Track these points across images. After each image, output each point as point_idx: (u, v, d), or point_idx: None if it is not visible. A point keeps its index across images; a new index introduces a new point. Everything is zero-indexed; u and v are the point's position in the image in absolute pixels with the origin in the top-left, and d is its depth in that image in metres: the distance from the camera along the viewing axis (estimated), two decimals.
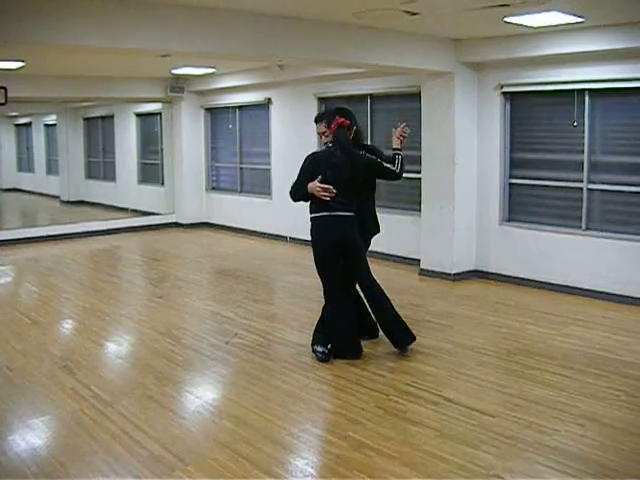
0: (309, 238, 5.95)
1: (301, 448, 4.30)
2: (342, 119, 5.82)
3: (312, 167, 5.84)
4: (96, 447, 4.29)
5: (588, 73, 7.68)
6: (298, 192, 5.90)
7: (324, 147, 6.06)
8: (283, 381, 5.46)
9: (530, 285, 8.44)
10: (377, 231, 6.32)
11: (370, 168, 5.89)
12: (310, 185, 5.76)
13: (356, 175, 5.80)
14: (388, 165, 5.90)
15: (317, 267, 5.97)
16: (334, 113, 5.97)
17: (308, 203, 5.96)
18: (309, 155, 5.99)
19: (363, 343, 6.05)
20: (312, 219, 5.91)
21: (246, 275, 9.47)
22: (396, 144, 6.03)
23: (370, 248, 6.18)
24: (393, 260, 9.92)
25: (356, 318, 6.08)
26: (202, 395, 5.27)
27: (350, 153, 5.81)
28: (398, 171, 5.93)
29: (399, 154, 5.96)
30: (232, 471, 3.97)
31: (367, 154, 5.94)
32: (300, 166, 5.93)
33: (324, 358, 5.81)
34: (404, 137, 6.07)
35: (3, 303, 8.38)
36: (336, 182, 5.73)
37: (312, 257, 5.96)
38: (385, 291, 5.97)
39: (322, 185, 5.71)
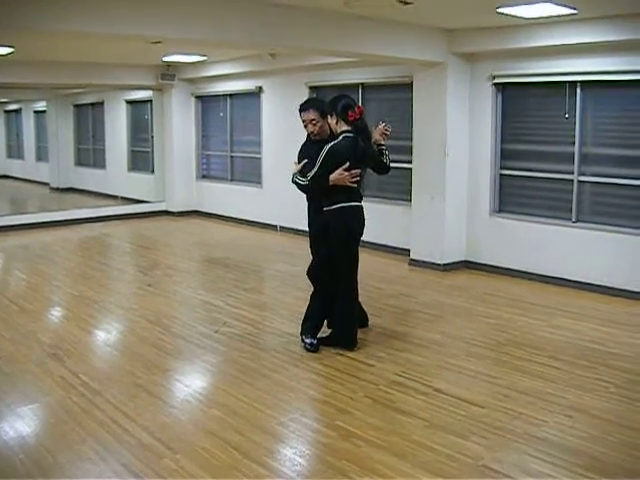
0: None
1: (290, 437, 4.30)
2: (362, 107, 5.77)
3: (337, 159, 5.58)
4: (85, 435, 4.28)
5: (580, 65, 7.68)
6: (319, 184, 5.64)
7: (311, 137, 5.97)
8: (272, 370, 5.45)
9: (520, 276, 8.45)
10: None
11: (375, 157, 5.86)
12: (335, 176, 5.57)
13: (367, 165, 5.84)
14: (381, 158, 5.92)
15: (337, 255, 5.78)
16: (338, 99, 5.80)
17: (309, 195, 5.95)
18: (330, 147, 5.61)
19: None
20: (338, 209, 5.68)
21: (236, 264, 9.46)
22: (381, 141, 5.92)
23: (360, 238, 6.15)
24: (383, 250, 9.92)
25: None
26: (191, 384, 5.26)
27: (370, 142, 5.75)
28: (388, 164, 5.96)
29: (385, 148, 5.93)
30: (221, 460, 3.96)
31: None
32: (321, 159, 5.59)
33: (312, 349, 5.81)
34: (387, 135, 5.97)
35: None
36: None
37: (306, 246, 5.94)
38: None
39: (351, 172, 5.59)
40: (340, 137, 5.66)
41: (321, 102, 6.12)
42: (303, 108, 6.01)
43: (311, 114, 5.92)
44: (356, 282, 5.94)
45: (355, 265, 5.89)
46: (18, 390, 5.09)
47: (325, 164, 5.58)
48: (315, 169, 5.61)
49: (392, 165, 6.05)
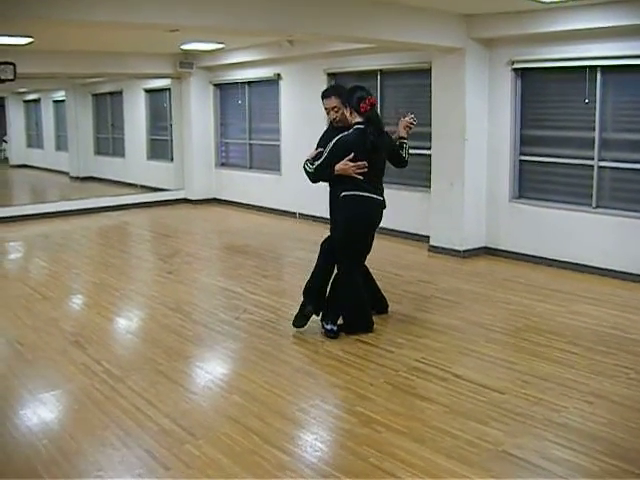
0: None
1: (310, 423, 4.32)
2: (374, 99, 5.75)
3: (344, 151, 5.64)
4: (107, 421, 4.33)
5: (600, 49, 7.61)
6: (323, 174, 5.76)
7: (333, 124, 6.00)
8: (292, 356, 5.49)
9: (540, 262, 8.42)
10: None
11: (391, 149, 5.92)
12: (340, 166, 5.63)
13: (383, 157, 5.86)
14: (400, 152, 6.01)
15: (343, 242, 5.87)
16: (354, 91, 5.79)
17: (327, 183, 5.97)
18: (339, 138, 5.69)
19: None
20: (346, 197, 5.75)
21: (255, 251, 9.48)
22: (403, 134, 6.03)
23: (379, 224, 6.16)
24: (402, 237, 9.91)
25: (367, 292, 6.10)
26: (212, 370, 5.30)
27: (382, 134, 5.75)
28: (407, 158, 6.04)
29: (407, 143, 6.02)
30: (242, 445, 3.99)
31: (388, 133, 5.94)
32: (329, 148, 5.68)
33: (333, 336, 5.82)
34: (411, 127, 6.06)
35: (14, 279, 8.43)
36: (369, 164, 5.67)
37: (325, 233, 5.98)
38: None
39: (357, 163, 5.62)
40: (352, 129, 5.71)
41: (343, 89, 6.11)
42: (325, 95, 6.05)
43: (333, 101, 5.93)
44: (354, 268, 5.95)
45: (357, 254, 5.93)
46: (41, 377, 5.14)
47: (331, 155, 5.66)
48: (322, 158, 5.71)
49: (411, 152, 6.06)
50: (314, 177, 5.81)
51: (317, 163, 5.72)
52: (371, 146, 5.63)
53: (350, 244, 5.87)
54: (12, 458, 3.93)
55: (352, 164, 5.62)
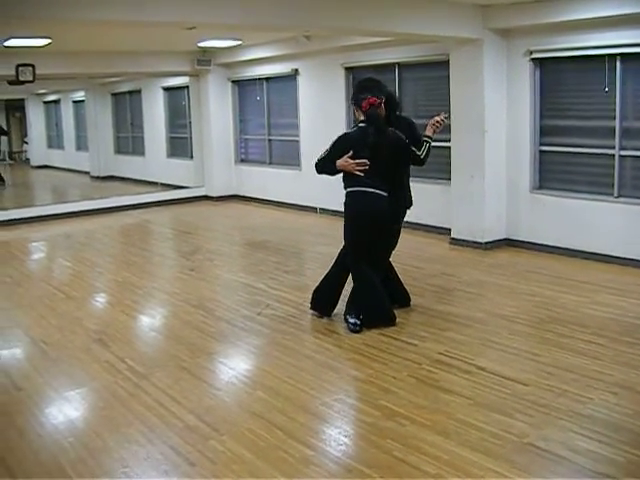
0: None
1: (334, 417, 4.32)
2: (374, 99, 5.75)
3: (345, 146, 5.81)
4: (131, 418, 4.35)
5: (620, 37, 7.53)
6: (325, 167, 5.94)
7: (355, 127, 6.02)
8: (315, 351, 5.49)
9: (562, 253, 8.37)
10: (409, 206, 6.30)
11: (398, 148, 5.87)
12: (340, 162, 5.77)
13: (388, 155, 5.81)
14: (414, 149, 5.89)
15: (347, 238, 6.01)
16: (361, 89, 5.91)
17: (341, 178, 5.97)
18: (342, 134, 5.98)
19: (394, 312, 6.06)
20: (348, 193, 5.91)
21: (276, 246, 9.50)
22: (429, 132, 5.97)
23: (388, 221, 6.15)
24: (424, 230, 9.88)
25: (383, 285, 6.10)
26: (235, 366, 5.31)
27: (383, 133, 5.76)
28: (422, 157, 5.93)
29: (428, 142, 5.94)
30: (266, 440, 4.00)
31: (397, 131, 5.88)
32: (332, 143, 5.90)
33: (356, 329, 5.83)
34: (438, 126, 5.97)
35: (37, 278, 8.49)
36: (371, 161, 5.73)
37: (342, 228, 5.98)
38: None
39: (357, 161, 5.71)
40: (356, 126, 5.89)
41: (373, 81, 6.15)
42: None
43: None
44: (361, 262, 5.95)
45: (361, 248, 5.93)
46: (65, 375, 5.18)
47: (332, 149, 5.86)
48: (325, 153, 5.88)
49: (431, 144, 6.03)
50: (317, 169, 6.03)
51: (321, 156, 5.92)
52: (374, 145, 5.70)
53: (353, 238, 5.95)
54: (39, 456, 3.96)
55: (352, 161, 5.73)
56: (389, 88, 6.21)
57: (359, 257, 5.95)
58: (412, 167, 6.22)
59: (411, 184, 6.37)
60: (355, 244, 5.96)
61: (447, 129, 9.04)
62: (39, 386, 4.96)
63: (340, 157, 5.78)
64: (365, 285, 5.94)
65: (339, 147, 5.83)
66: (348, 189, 5.89)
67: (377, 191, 5.79)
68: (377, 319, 5.94)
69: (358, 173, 5.74)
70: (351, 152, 5.74)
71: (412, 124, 6.16)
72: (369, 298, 5.93)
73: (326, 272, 6.30)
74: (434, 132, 5.98)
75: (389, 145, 5.80)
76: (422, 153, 5.91)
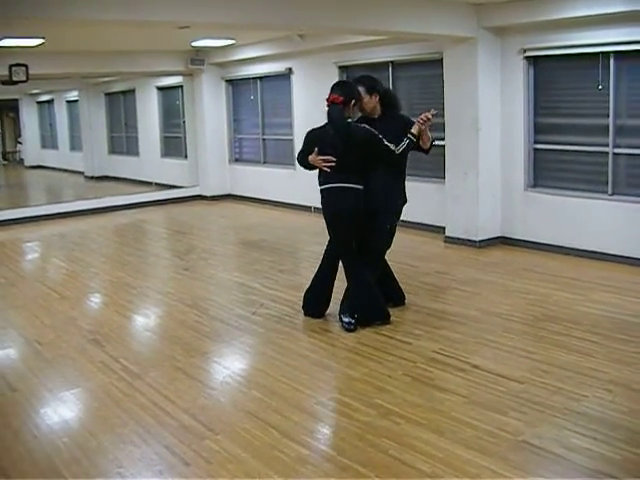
0: None
1: (329, 416, 4.33)
2: (334, 96, 5.76)
3: (311, 142, 5.93)
4: (126, 418, 4.35)
5: (613, 35, 7.54)
6: (302, 161, 6.08)
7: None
8: (310, 350, 5.49)
9: (556, 251, 8.38)
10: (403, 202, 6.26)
11: (365, 144, 5.77)
12: (310, 157, 5.87)
13: (352, 151, 5.74)
14: (388, 144, 5.76)
15: (329, 233, 6.09)
16: (338, 85, 6.01)
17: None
18: (308, 131, 6.05)
19: (389, 310, 6.06)
20: (320, 191, 5.98)
21: (271, 246, 9.49)
22: (414, 129, 5.85)
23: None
24: (418, 228, 9.87)
25: (380, 283, 6.13)
26: (230, 365, 5.31)
27: (342, 129, 5.74)
28: (397, 152, 5.80)
29: (409, 139, 5.82)
30: (261, 440, 4.00)
31: (366, 127, 5.80)
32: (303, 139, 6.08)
33: (350, 328, 5.83)
34: (424, 122, 5.81)
35: (31, 279, 8.47)
36: (336, 157, 5.76)
37: None
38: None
39: (322, 157, 5.78)
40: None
41: (366, 77, 6.16)
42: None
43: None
44: (351, 259, 5.99)
45: (342, 244, 5.98)
46: (60, 375, 5.17)
47: (303, 144, 6.04)
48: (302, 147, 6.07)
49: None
50: (298, 162, 6.20)
51: (300, 149, 6.09)
52: (330, 142, 5.77)
53: (336, 236, 6.01)
54: (34, 457, 3.95)
55: (319, 157, 5.78)
56: (384, 86, 6.18)
57: (349, 255, 5.95)
58: (408, 164, 6.17)
59: (407, 183, 6.34)
60: (339, 241, 5.99)
61: (441, 127, 9.07)
62: (34, 387, 4.95)
63: (310, 153, 5.88)
64: (359, 283, 5.93)
65: (306, 142, 5.98)
66: (320, 187, 5.96)
67: (346, 185, 5.78)
68: (372, 317, 5.93)
69: (325, 169, 5.79)
70: (316, 149, 5.82)
71: (409, 124, 5.99)
72: (364, 297, 5.92)
73: (314, 273, 6.30)
74: (419, 129, 5.85)
75: (354, 141, 5.73)
76: (398, 149, 5.79)
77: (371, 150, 5.80)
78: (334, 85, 6.02)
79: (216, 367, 5.30)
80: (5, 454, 3.97)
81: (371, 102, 5.97)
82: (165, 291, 7.48)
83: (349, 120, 5.80)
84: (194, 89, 14.19)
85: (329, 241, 6.15)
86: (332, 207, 5.90)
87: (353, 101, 5.83)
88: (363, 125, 5.83)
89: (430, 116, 5.82)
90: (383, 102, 6.01)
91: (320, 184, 5.95)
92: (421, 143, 5.96)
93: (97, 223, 12.12)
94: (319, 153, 5.80)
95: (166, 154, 16.45)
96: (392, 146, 5.77)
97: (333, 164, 5.74)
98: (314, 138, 5.92)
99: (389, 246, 6.25)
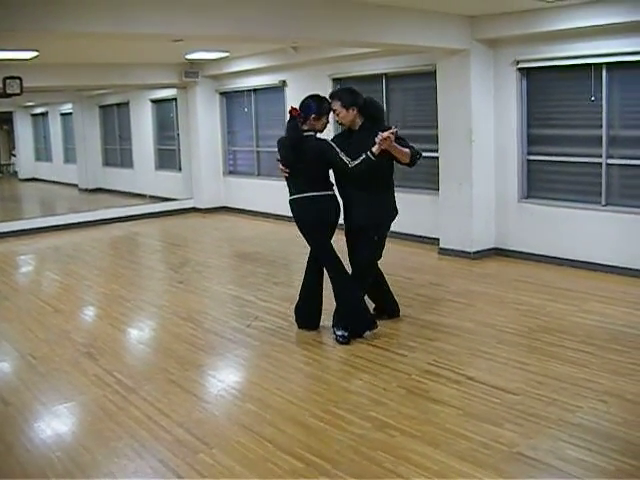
0: None
1: (324, 429, 4.31)
2: (293, 109, 5.90)
3: (280, 150, 6.05)
4: (121, 432, 4.33)
5: (605, 47, 7.58)
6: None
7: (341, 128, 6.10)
8: (305, 363, 5.49)
9: (550, 262, 8.40)
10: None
11: (319, 157, 5.82)
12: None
13: (304, 162, 5.83)
14: (343, 158, 5.70)
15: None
16: (310, 99, 6.08)
17: None
18: (278, 139, 6.12)
19: (383, 323, 6.07)
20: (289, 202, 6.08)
21: (266, 258, 9.49)
22: (374, 147, 5.62)
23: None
24: (412, 240, 9.89)
25: (375, 295, 6.23)
26: (225, 378, 5.30)
27: (292, 142, 5.85)
28: (350, 167, 5.69)
29: (367, 157, 5.63)
30: (256, 453, 3.99)
31: (324, 141, 5.87)
32: None
33: (344, 341, 5.82)
34: (382, 143, 5.57)
35: (25, 292, 8.46)
36: (291, 167, 5.90)
37: (335, 239, 6.03)
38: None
39: (281, 167, 5.94)
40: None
41: (344, 91, 6.13)
42: (330, 97, 6.13)
43: (333, 104, 6.01)
44: (329, 267, 6.02)
45: (319, 251, 6.04)
46: (54, 389, 5.15)
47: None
48: None
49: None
50: None
51: None
52: (284, 153, 5.94)
53: (308, 242, 6.08)
54: (27, 471, 3.93)
55: (281, 166, 5.94)
56: (366, 97, 6.13)
57: (329, 260, 5.97)
58: (401, 176, 6.17)
59: (400, 194, 6.34)
60: (314, 248, 6.08)
61: (435, 139, 9.10)
62: (27, 400, 4.93)
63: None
64: (345, 297, 5.92)
65: (278, 150, 6.09)
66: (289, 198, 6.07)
67: (307, 195, 5.87)
68: (361, 328, 5.93)
69: (285, 176, 5.96)
70: (278, 158, 6.02)
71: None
72: (351, 310, 5.90)
73: (300, 287, 6.32)
74: (378, 149, 5.61)
75: (305, 154, 5.81)
76: (354, 165, 5.68)
77: (326, 163, 5.86)
78: (336, 91, 6.20)
79: (211, 380, 5.29)
80: None
81: (348, 116, 5.94)
82: (159, 304, 7.46)
83: (308, 133, 5.89)
84: (188, 101, 14.21)
85: (310, 250, 6.19)
86: (296, 217, 6.00)
87: (313, 115, 5.91)
88: (322, 139, 5.90)
89: (389, 134, 5.58)
90: (363, 114, 5.98)
91: (289, 195, 6.03)
92: (399, 158, 5.81)
93: (91, 236, 12.10)
94: (282, 161, 5.95)
95: (160, 166, 16.45)
96: (348, 160, 5.71)
97: (287, 174, 5.90)
98: (279, 146, 6.06)
99: (379, 257, 6.19)
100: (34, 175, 23.89)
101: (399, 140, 5.77)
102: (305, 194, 5.88)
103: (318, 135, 5.96)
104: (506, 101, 8.71)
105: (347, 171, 5.76)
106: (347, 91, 6.13)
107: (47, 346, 6.13)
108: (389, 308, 6.40)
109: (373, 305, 6.39)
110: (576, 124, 8.22)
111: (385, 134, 5.56)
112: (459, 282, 7.78)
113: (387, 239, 6.09)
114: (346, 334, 5.85)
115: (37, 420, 4.61)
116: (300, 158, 5.82)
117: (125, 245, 11.58)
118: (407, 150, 5.79)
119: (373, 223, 5.96)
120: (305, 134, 5.88)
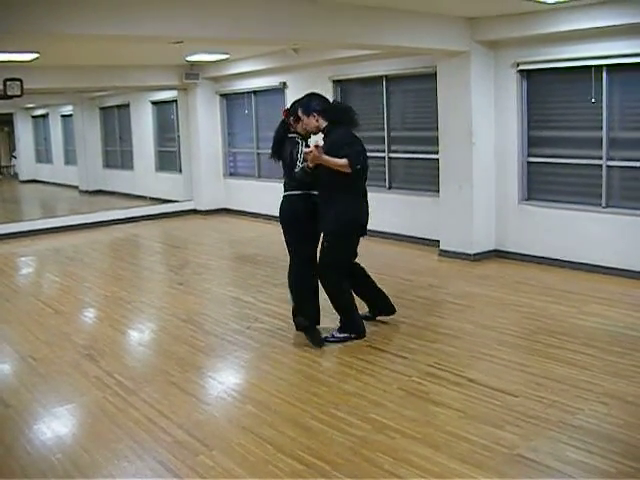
0: None
1: (324, 431, 4.30)
2: (284, 110, 6.14)
3: None
4: (121, 434, 4.33)
5: (605, 49, 7.58)
6: None
7: None
8: (305, 364, 5.48)
9: (551, 264, 8.39)
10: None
11: (287, 157, 5.95)
12: None
13: (283, 161, 6.08)
14: (298, 163, 5.76)
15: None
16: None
17: None
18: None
19: (383, 324, 6.06)
20: None
21: (265, 260, 9.48)
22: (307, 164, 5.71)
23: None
24: (412, 241, 9.86)
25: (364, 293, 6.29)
26: (225, 380, 5.29)
27: (273, 141, 6.19)
28: (295, 172, 5.76)
29: (301, 167, 5.71)
30: (256, 455, 3.99)
31: (297, 144, 5.87)
32: None
33: (301, 327, 6.06)
34: (307, 156, 5.62)
35: (26, 293, 8.45)
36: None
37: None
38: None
39: None
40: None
41: (305, 98, 6.10)
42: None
43: (298, 112, 6.03)
44: (299, 263, 6.09)
45: (289, 251, 6.20)
46: (54, 391, 5.15)
47: None
48: None
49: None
50: None
51: None
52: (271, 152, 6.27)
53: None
54: (27, 473, 3.92)
55: None
56: (333, 100, 6.18)
57: (297, 263, 6.08)
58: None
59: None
60: (289, 246, 6.22)
61: (435, 141, 9.10)
62: (27, 402, 4.93)
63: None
64: (295, 281, 6.11)
65: None
66: None
67: (285, 194, 6.11)
68: (305, 315, 6.04)
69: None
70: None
71: (335, 144, 5.74)
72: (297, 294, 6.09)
73: (294, 291, 6.21)
74: (310, 164, 5.65)
75: (283, 155, 6.05)
76: (295, 172, 5.78)
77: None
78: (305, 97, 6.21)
79: (211, 382, 5.28)
80: None
81: (310, 122, 5.90)
82: (159, 306, 7.46)
83: (292, 135, 6.01)
84: (188, 103, 14.21)
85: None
86: (282, 214, 6.19)
87: (292, 117, 6.03)
88: (298, 142, 5.93)
89: (308, 151, 5.60)
90: (327, 118, 5.90)
91: None
92: (337, 169, 5.62)
93: (91, 237, 12.10)
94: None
95: (160, 168, 16.45)
96: (298, 166, 5.74)
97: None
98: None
99: (355, 256, 6.09)
100: (34, 177, 23.90)
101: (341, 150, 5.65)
102: (284, 192, 6.10)
103: (318, 137, 5.95)
104: (506, 103, 8.70)
105: (291, 175, 5.90)
106: (306, 97, 6.06)
107: (47, 348, 6.12)
108: (382, 305, 6.30)
109: (366, 309, 6.39)
110: (576, 126, 8.21)
111: (306, 150, 5.69)
112: (459, 284, 7.78)
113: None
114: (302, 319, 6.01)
115: (37, 422, 4.61)
116: (281, 158, 6.08)
117: (125, 247, 11.58)
118: (343, 161, 5.57)
119: (324, 229, 5.91)
120: (289, 135, 6.01)
